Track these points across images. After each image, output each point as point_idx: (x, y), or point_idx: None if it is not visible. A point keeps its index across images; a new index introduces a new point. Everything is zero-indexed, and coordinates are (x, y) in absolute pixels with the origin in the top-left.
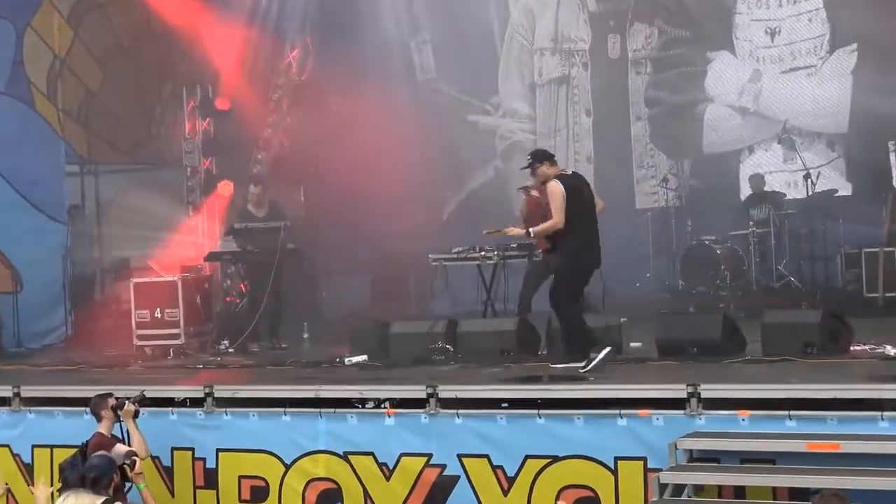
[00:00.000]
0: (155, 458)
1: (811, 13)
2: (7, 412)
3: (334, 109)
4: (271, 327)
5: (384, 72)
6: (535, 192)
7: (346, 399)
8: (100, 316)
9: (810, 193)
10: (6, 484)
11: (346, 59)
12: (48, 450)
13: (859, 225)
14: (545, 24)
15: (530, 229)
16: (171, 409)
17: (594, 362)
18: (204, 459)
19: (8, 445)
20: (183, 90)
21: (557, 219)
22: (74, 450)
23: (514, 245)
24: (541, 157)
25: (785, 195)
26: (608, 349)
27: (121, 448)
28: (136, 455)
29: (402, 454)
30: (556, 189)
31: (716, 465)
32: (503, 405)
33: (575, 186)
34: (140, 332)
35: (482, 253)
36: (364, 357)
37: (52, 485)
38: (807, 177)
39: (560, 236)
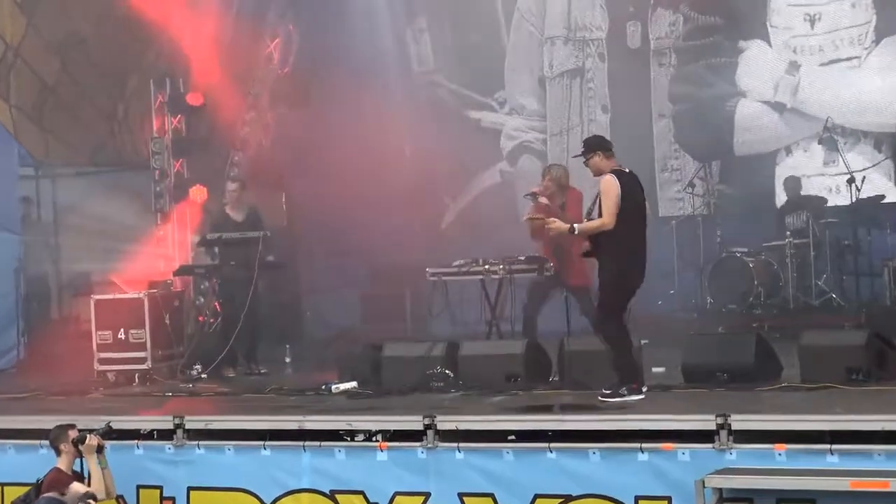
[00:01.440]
0: (119, 498)
1: None
2: None
3: (320, 106)
4: (249, 350)
5: (376, 64)
6: (543, 199)
7: (333, 431)
8: (56, 337)
9: (854, 199)
10: None
11: (334, 50)
12: None
13: None
14: (557, 10)
15: (576, 225)
16: (136, 442)
17: (620, 400)
18: (173, 499)
19: None
20: (150, 84)
21: (608, 220)
22: (28, 487)
23: (523, 258)
24: (595, 145)
25: (826, 201)
26: (642, 396)
27: (77, 488)
28: (93, 498)
29: (397, 493)
30: (611, 186)
31: None
32: (510, 438)
33: (630, 186)
34: (102, 355)
35: (486, 267)
36: (353, 384)
37: None
38: (850, 181)
39: (606, 241)
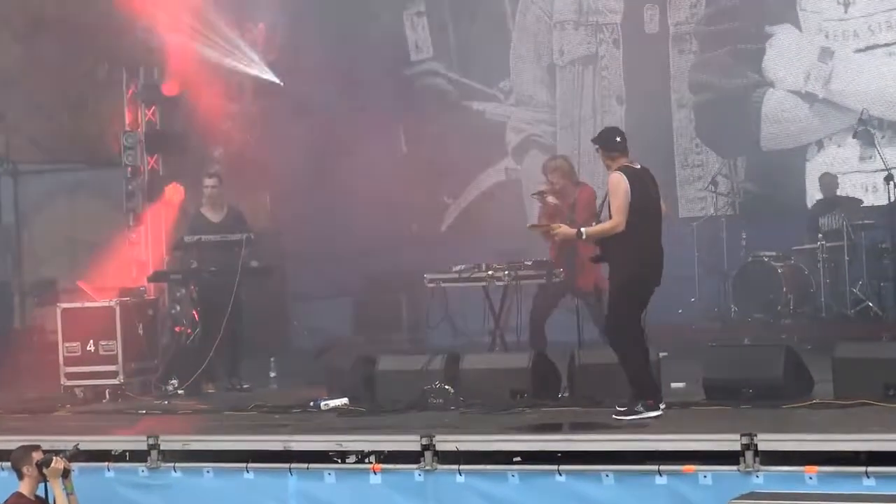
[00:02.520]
0: None
1: None
2: None
3: (308, 96)
4: (230, 363)
5: (370, 51)
6: (552, 199)
7: (322, 452)
8: (19, 349)
9: (893, 199)
10: None
11: (324, 36)
12: None
13: None
14: None
15: (583, 229)
16: (107, 464)
17: (636, 417)
18: None
19: None
20: (122, 73)
21: (618, 220)
22: None
23: (530, 263)
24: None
25: (862, 201)
26: (660, 413)
27: None
28: None
29: None
30: (618, 184)
31: None
32: (515, 460)
33: (641, 182)
34: (69, 369)
35: (489, 272)
36: (344, 400)
37: None
38: (888, 178)
39: (615, 243)
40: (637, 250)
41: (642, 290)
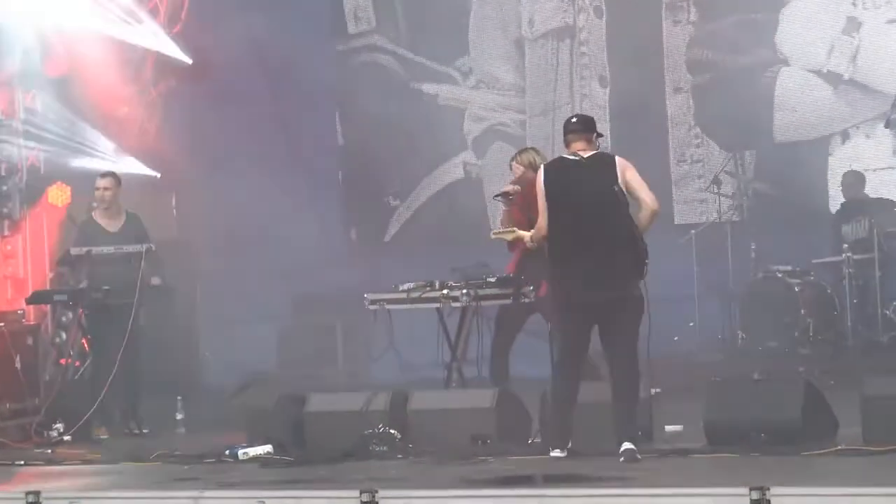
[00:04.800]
0: None
1: None
2: None
3: (224, 76)
4: (128, 403)
5: (300, 21)
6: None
7: None
8: None
9: None
10: None
11: (242, 3)
12: None
13: None
14: None
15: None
16: None
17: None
18: None
19: None
20: None
21: (539, 223)
22: None
23: (493, 279)
24: (593, 125)
25: (895, 204)
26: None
27: None
28: None
29: None
30: (533, 180)
31: None
32: None
33: (557, 173)
34: None
35: (444, 291)
36: (267, 448)
37: None
38: None
39: (640, 239)
40: (553, 257)
41: (566, 304)
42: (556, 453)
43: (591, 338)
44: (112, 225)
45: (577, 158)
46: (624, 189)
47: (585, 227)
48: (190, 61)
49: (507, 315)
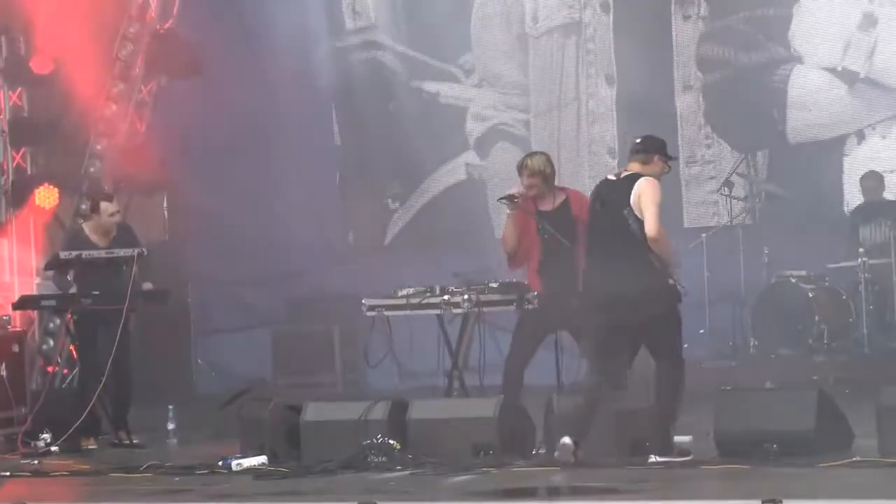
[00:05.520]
0: None
1: None
2: None
3: (216, 75)
4: (117, 413)
5: (296, 17)
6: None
7: None
8: None
9: None
10: None
11: None
12: None
13: None
14: None
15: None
16: None
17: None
18: None
19: None
20: None
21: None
22: None
23: (495, 285)
24: (659, 146)
25: None
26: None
27: None
28: None
29: None
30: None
31: None
32: None
33: (595, 196)
34: None
35: (445, 297)
36: (262, 459)
37: None
38: None
39: (654, 261)
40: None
41: (598, 337)
42: (566, 440)
43: (625, 355)
44: (103, 241)
45: (611, 179)
46: (638, 212)
47: (602, 249)
48: (179, 57)
49: (526, 325)
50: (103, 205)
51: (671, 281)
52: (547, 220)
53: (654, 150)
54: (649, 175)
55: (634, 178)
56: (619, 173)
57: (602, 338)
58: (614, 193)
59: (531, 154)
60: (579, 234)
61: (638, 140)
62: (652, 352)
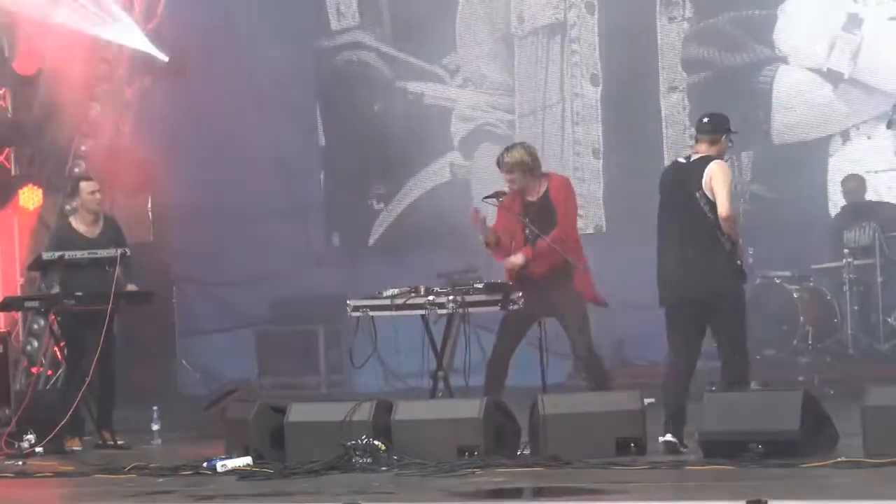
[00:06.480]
0: None
1: None
2: None
3: (202, 75)
4: (102, 414)
5: (280, 18)
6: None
7: None
8: None
9: None
10: None
11: None
12: None
13: None
14: None
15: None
16: None
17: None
18: None
19: None
20: None
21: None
22: None
23: (481, 285)
24: (726, 124)
25: None
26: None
27: None
28: None
29: None
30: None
31: None
32: None
33: (666, 179)
34: None
35: (430, 298)
36: (247, 460)
37: None
38: None
39: (724, 242)
40: (658, 264)
41: (667, 312)
42: (667, 437)
43: (700, 336)
44: (90, 231)
45: (682, 162)
46: (710, 194)
47: (674, 231)
48: (166, 58)
49: (511, 324)
50: (83, 184)
51: (739, 262)
52: (532, 210)
53: (722, 129)
54: (716, 154)
55: (706, 160)
56: (689, 156)
57: (675, 316)
58: (686, 176)
59: (509, 148)
60: (558, 220)
61: (706, 119)
62: (715, 332)
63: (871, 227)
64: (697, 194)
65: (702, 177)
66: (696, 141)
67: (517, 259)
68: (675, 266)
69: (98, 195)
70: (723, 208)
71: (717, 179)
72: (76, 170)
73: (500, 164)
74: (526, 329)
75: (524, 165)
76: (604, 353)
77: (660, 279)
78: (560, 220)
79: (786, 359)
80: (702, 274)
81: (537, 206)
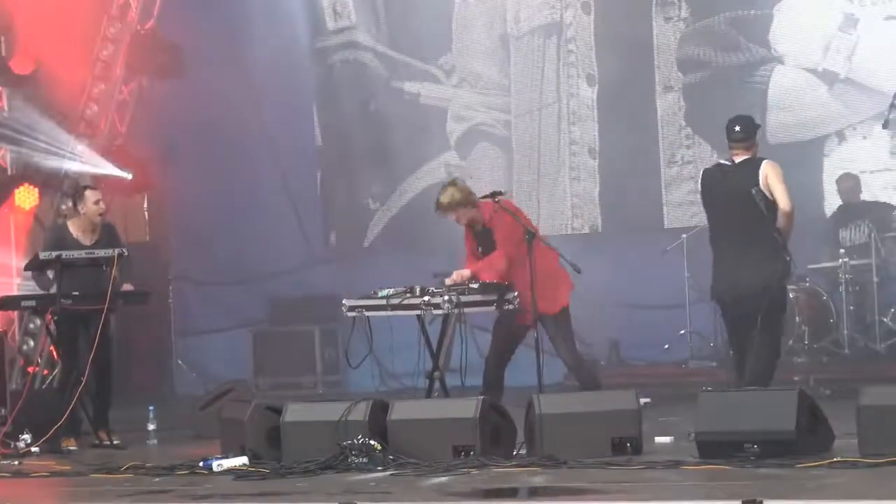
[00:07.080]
0: None
1: None
2: None
3: (197, 76)
4: (98, 413)
5: (276, 17)
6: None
7: None
8: None
9: None
10: None
11: None
12: None
13: None
14: None
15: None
16: None
17: None
18: None
19: None
20: None
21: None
22: None
23: (476, 285)
24: (756, 128)
25: (894, 207)
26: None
27: None
28: None
29: None
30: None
31: None
32: None
33: (714, 179)
34: None
35: (426, 298)
36: (243, 459)
37: None
38: None
39: (777, 238)
40: (714, 262)
41: (724, 311)
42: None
43: (754, 330)
44: (88, 238)
45: (728, 164)
46: (766, 191)
47: (727, 230)
48: (161, 57)
49: (504, 325)
50: (87, 192)
51: (788, 258)
52: (481, 239)
53: (754, 133)
54: (756, 155)
55: (753, 162)
56: (732, 159)
57: (731, 315)
58: (738, 177)
59: (441, 190)
60: (496, 242)
61: (737, 128)
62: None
63: (867, 226)
64: (754, 191)
65: (756, 176)
66: (730, 148)
67: (464, 272)
68: (733, 263)
69: (102, 205)
70: (784, 203)
71: (772, 176)
72: (89, 183)
73: (441, 210)
74: (520, 338)
75: (456, 202)
76: (599, 352)
77: (716, 275)
78: (499, 243)
79: (782, 358)
80: (757, 270)
81: (483, 235)
